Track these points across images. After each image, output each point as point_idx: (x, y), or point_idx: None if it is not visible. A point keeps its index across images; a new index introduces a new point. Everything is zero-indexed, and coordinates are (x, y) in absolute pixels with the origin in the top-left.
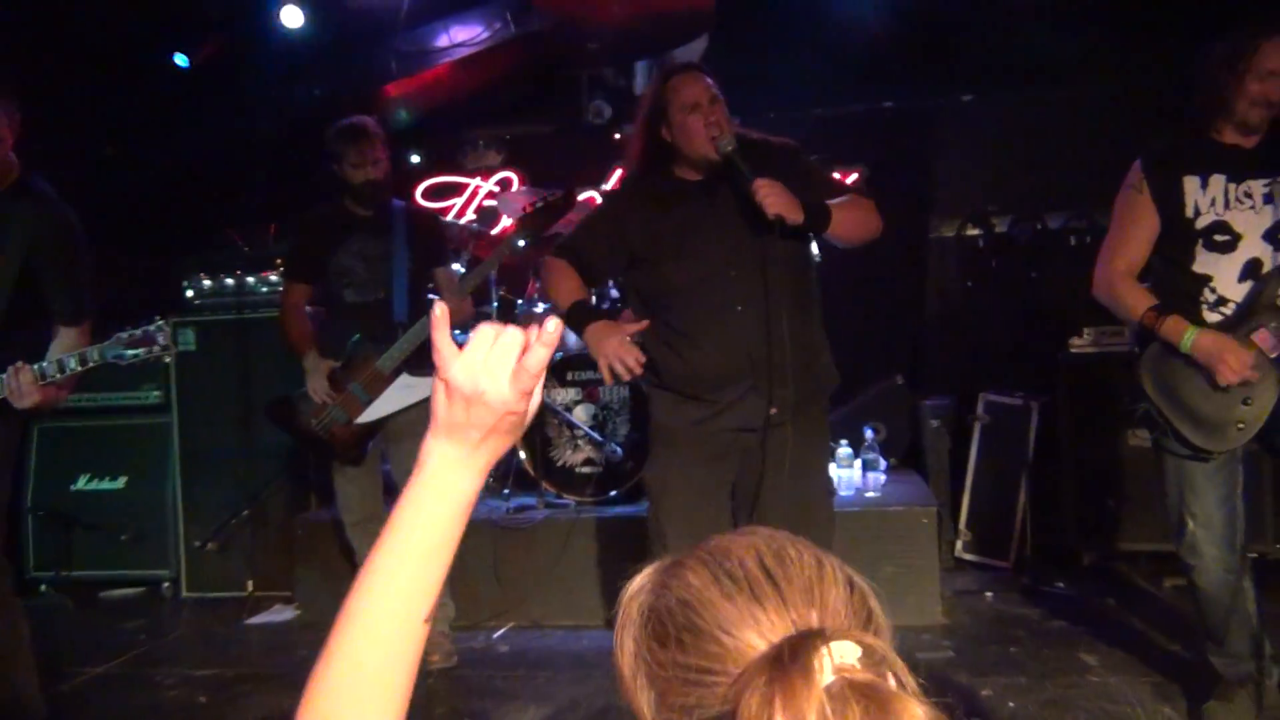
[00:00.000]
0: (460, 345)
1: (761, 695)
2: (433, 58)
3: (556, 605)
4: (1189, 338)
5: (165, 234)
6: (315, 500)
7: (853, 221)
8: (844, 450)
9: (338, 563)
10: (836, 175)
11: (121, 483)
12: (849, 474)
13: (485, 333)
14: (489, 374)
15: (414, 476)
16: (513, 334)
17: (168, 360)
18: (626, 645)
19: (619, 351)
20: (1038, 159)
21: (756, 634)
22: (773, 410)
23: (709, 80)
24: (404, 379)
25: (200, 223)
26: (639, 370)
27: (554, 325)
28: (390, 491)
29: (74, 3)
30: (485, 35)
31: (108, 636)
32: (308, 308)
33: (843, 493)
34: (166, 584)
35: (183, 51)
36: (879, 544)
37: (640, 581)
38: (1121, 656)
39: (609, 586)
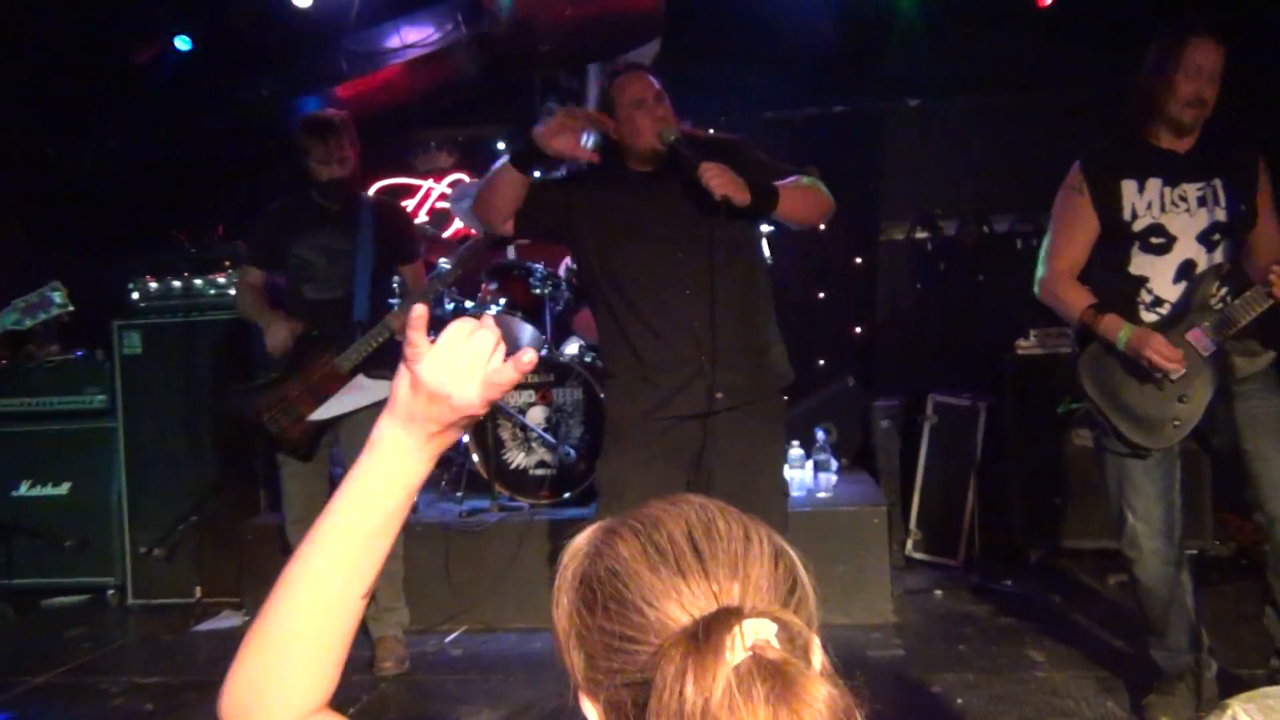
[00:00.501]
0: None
1: (676, 668)
2: (384, 58)
3: (510, 608)
4: (1124, 335)
5: (110, 235)
6: (264, 504)
7: (802, 201)
8: (796, 451)
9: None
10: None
11: (65, 489)
12: (801, 475)
13: (459, 330)
14: (457, 377)
15: (364, 457)
16: (485, 337)
17: (64, 318)
18: (562, 605)
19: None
20: (984, 163)
21: (679, 607)
22: (718, 395)
23: (652, 79)
24: (360, 379)
25: (146, 224)
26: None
27: (529, 358)
28: (272, 491)
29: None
30: (436, 36)
31: (51, 645)
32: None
33: (795, 493)
34: (112, 591)
35: (131, 50)
36: (830, 544)
37: (578, 543)
38: (1067, 652)
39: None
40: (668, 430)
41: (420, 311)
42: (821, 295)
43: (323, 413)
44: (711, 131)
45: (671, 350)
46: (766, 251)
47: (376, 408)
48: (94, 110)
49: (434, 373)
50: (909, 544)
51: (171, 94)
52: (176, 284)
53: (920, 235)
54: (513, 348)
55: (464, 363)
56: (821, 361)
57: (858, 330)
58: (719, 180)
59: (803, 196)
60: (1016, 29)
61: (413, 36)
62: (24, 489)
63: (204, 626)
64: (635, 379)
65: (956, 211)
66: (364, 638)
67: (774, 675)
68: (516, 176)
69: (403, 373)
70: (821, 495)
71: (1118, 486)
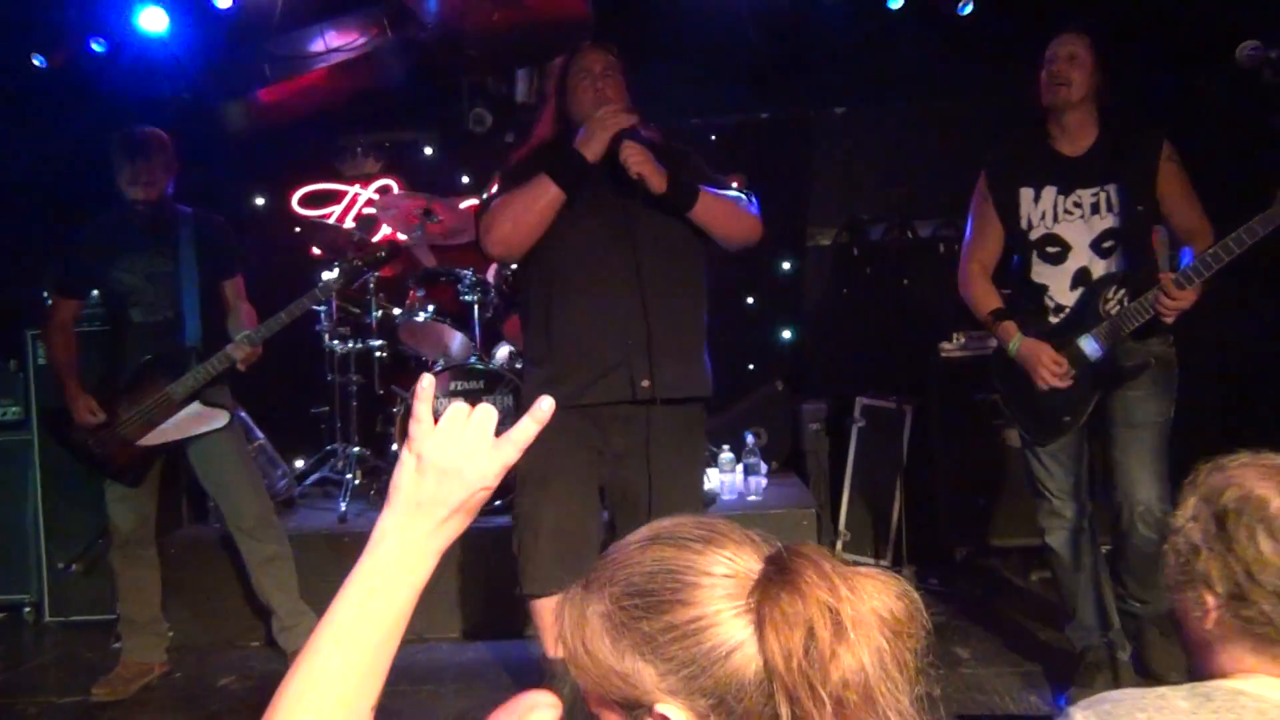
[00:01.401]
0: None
1: (785, 593)
2: (308, 62)
3: (441, 618)
4: (1014, 344)
5: (24, 242)
6: (187, 517)
7: (722, 210)
8: (726, 455)
9: (212, 582)
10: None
11: None
12: (730, 478)
13: (459, 410)
14: (466, 449)
15: (364, 558)
16: (486, 409)
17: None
18: (598, 648)
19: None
20: (909, 169)
21: (729, 565)
22: (644, 383)
23: (612, 57)
24: (195, 406)
25: (61, 232)
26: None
27: (548, 404)
28: (194, 502)
29: None
30: (362, 41)
31: None
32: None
33: (725, 497)
34: (28, 609)
35: (40, 51)
36: None
37: (579, 592)
38: (992, 647)
39: (495, 597)
40: (588, 418)
41: (429, 382)
42: (750, 300)
43: (154, 438)
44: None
45: (596, 338)
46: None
47: (222, 433)
48: (6, 114)
49: (440, 449)
50: (839, 545)
51: (87, 96)
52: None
53: (846, 240)
54: (442, 355)
55: (471, 436)
56: (751, 366)
57: (785, 334)
58: (636, 159)
59: (724, 206)
60: (939, 37)
61: (337, 40)
62: None
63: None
64: (557, 367)
65: (882, 217)
66: (276, 652)
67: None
68: (559, 198)
69: (404, 461)
70: (751, 498)
71: (1030, 469)
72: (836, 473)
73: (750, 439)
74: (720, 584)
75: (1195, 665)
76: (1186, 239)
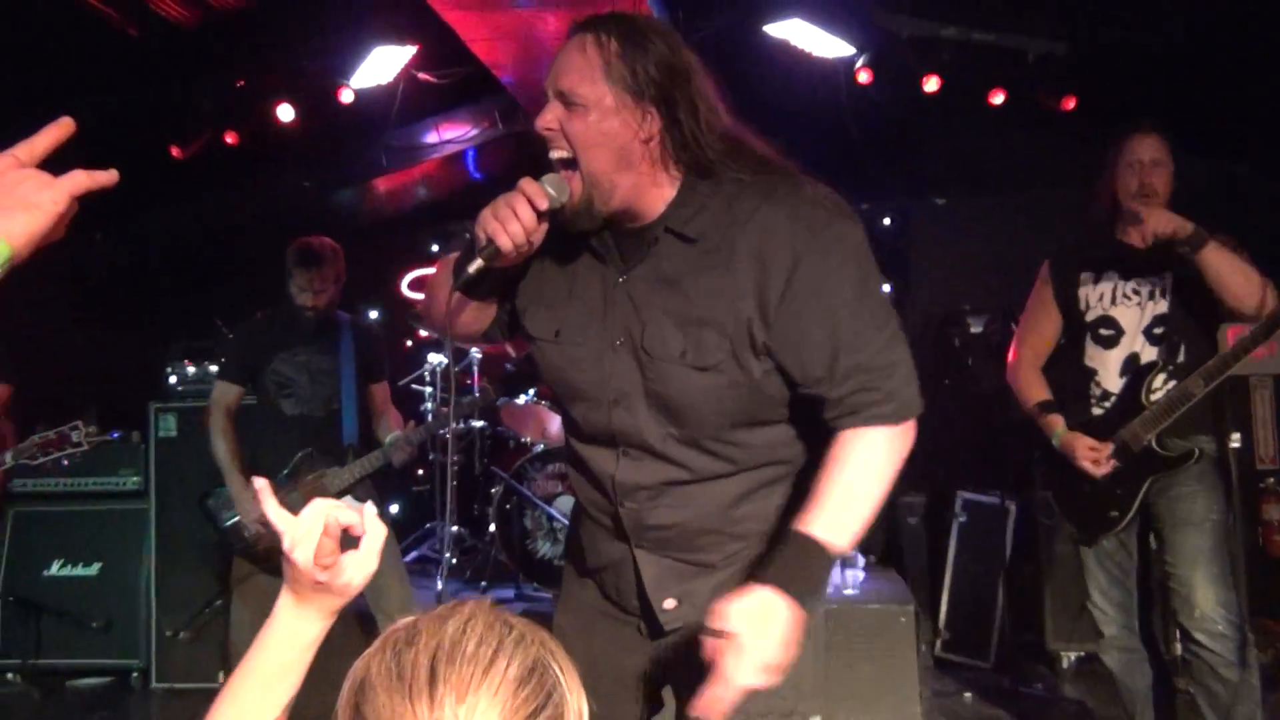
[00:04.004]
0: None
1: None
2: (422, 153)
3: None
4: (1057, 437)
5: (151, 320)
6: None
7: None
8: None
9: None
10: None
11: (95, 569)
12: None
13: (314, 506)
14: (299, 544)
15: (267, 625)
16: (314, 514)
17: (77, 456)
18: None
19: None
20: (1011, 260)
21: None
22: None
23: None
24: (347, 501)
25: (187, 310)
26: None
27: (334, 514)
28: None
29: (70, 88)
30: (474, 133)
31: None
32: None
33: None
34: (135, 674)
35: (176, 143)
36: (856, 642)
37: (369, 650)
38: None
39: (587, 682)
40: None
41: (263, 485)
42: None
43: None
44: None
45: None
46: None
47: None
48: (141, 199)
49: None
50: (938, 644)
51: (216, 185)
52: (213, 369)
53: (947, 331)
54: (542, 437)
55: (301, 530)
56: None
57: None
58: None
59: None
60: (1040, 130)
61: (450, 132)
62: (55, 569)
63: None
64: None
65: (983, 308)
66: None
67: None
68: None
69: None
70: (848, 592)
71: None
72: (935, 568)
73: None
74: None
75: None
76: (1237, 310)
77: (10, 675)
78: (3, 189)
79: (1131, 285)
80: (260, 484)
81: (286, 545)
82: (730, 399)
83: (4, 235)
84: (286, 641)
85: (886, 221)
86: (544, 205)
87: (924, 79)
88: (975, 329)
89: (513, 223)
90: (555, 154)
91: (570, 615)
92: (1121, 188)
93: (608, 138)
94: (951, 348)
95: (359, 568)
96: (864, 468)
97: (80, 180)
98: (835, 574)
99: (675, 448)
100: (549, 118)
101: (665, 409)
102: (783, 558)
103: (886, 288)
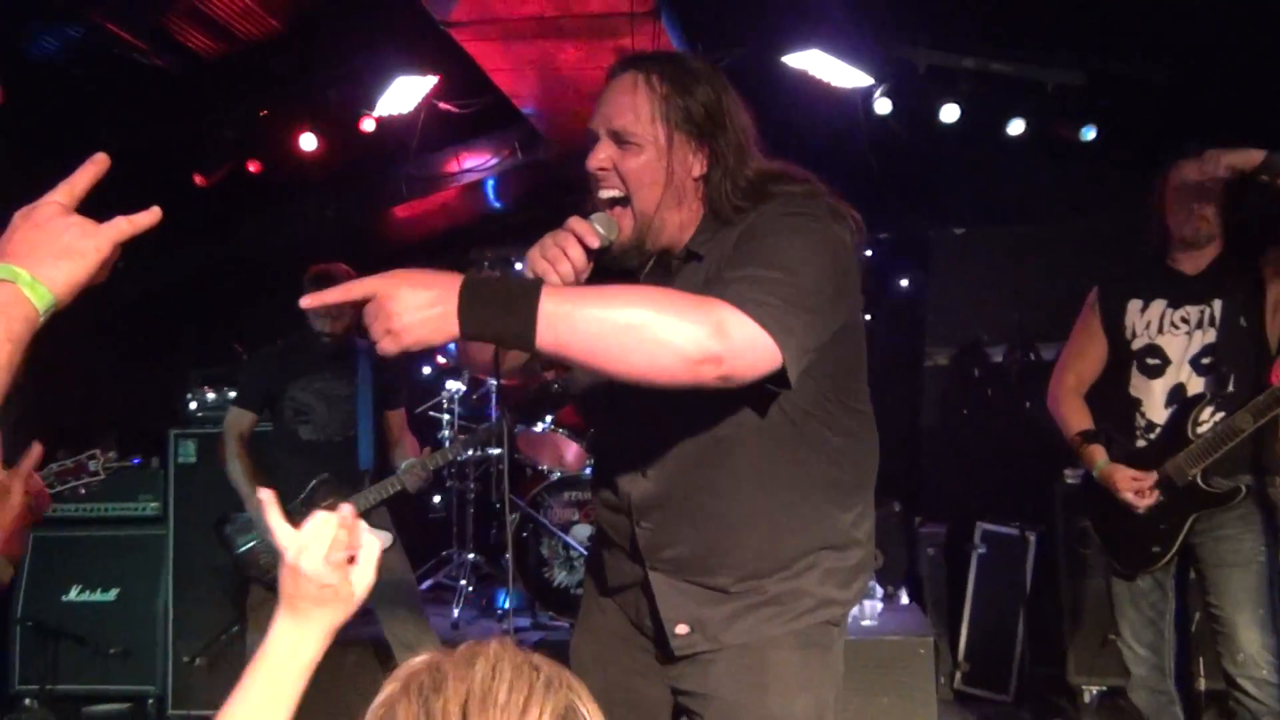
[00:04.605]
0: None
1: None
2: (442, 181)
3: None
4: (1099, 466)
5: (172, 347)
6: None
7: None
8: None
9: (328, 681)
10: None
11: (113, 595)
12: None
13: (315, 517)
14: (305, 550)
15: (263, 645)
16: (323, 517)
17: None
18: None
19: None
20: (1031, 290)
21: None
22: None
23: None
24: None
25: (207, 337)
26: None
27: (347, 509)
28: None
29: (96, 118)
30: (493, 162)
31: None
32: None
33: None
34: (152, 700)
35: (199, 171)
36: (875, 673)
37: (386, 692)
38: None
39: (604, 709)
40: None
41: (268, 496)
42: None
43: None
44: None
45: None
46: None
47: (389, 554)
48: (165, 227)
49: (290, 548)
50: (957, 677)
51: (239, 213)
52: (233, 395)
53: (966, 361)
54: (558, 465)
55: (307, 537)
56: None
57: (903, 456)
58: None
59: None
60: (1060, 160)
61: (470, 161)
62: (73, 594)
63: None
64: None
65: (1003, 338)
66: None
67: None
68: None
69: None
70: (866, 623)
71: (1112, 607)
72: (954, 600)
73: None
74: None
75: None
76: None
77: (28, 701)
78: (47, 236)
79: (1180, 314)
80: (265, 495)
81: (291, 555)
82: (723, 400)
83: (47, 283)
84: (283, 663)
85: (905, 251)
86: (595, 244)
87: (942, 109)
88: (994, 359)
89: (563, 263)
90: (606, 193)
91: (588, 640)
92: (1171, 214)
93: (661, 176)
94: (970, 378)
95: (359, 578)
96: (650, 298)
97: (123, 228)
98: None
99: (692, 465)
100: (602, 157)
101: (686, 424)
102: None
103: (867, 317)
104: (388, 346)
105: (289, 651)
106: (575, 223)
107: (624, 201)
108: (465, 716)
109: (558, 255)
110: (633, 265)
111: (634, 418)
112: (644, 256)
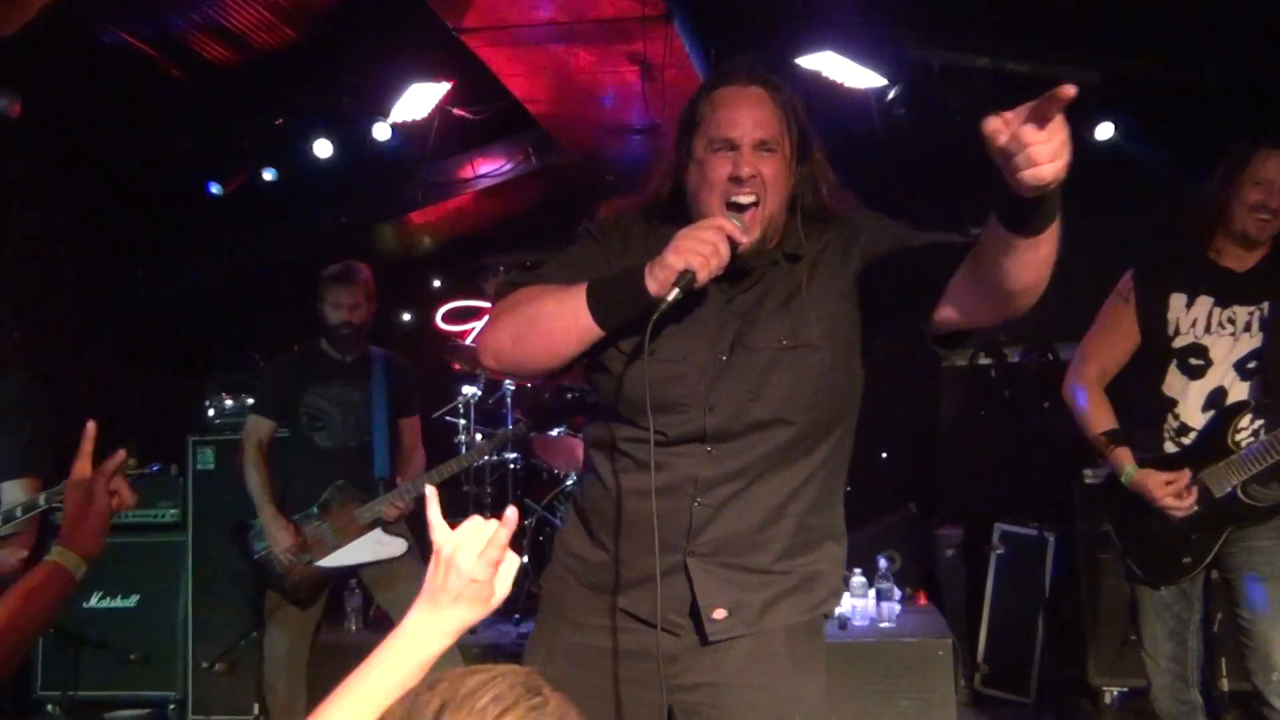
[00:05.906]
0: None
1: None
2: (456, 187)
3: None
4: (1127, 474)
5: (190, 354)
6: (324, 622)
7: None
8: (858, 579)
9: (332, 684)
10: None
11: (134, 601)
12: (863, 604)
13: (473, 519)
14: (462, 546)
15: (393, 632)
16: (478, 520)
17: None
18: None
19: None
20: (1049, 291)
21: None
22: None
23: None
24: (376, 533)
25: (225, 344)
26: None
27: (512, 513)
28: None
29: (114, 127)
30: (508, 167)
31: None
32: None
33: (857, 623)
34: (172, 705)
35: (215, 179)
36: (894, 676)
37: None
38: None
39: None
40: None
41: (431, 491)
42: (884, 421)
43: (333, 560)
44: None
45: None
46: None
47: (404, 559)
48: (181, 235)
49: (447, 542)
50: (977, 678)
51: (255, 220)
52: (251, 401)
53: (984, 361)
54: (574, 469)
55: (464, 535)
56: (884, 488)
57: (921, 457)
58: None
59: None
60: (1078, 158)
61: (484, 167)
62: (94, 600)
63: None
64: None
65: (1020, 338)
66: None
67: None
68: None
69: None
70: (884, 625)
71: (1131, 613)
72: (974, 601)
73: (884, 563)
74: None
75: None
76: None
77: (50, 707)
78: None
79: (1227, 314)
80: (430, 492)
81: (447, 550)
82: (814, 377)
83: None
84: (408, 651)
85: None
86: (743, 241)
87: (957, 109)
88: (1012, 359)
89: (715, 258)
90: (745, 199)
91: (560, 665)
92: (1241, 202)
93: (787, 183)
94: (988, 378)
95: (500, 584)
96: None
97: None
98: (872, 606)
99: (762, 444)
100: (753, 165)
101: (753, 403)
102: None
103: None
104: None
105: (416, 641)
106: (724, 221)
107: (756, 206)
108: (440, 713)
109: (711, 250)
110: (751, 265)
111: (710, 405)
112: (761, 259)
